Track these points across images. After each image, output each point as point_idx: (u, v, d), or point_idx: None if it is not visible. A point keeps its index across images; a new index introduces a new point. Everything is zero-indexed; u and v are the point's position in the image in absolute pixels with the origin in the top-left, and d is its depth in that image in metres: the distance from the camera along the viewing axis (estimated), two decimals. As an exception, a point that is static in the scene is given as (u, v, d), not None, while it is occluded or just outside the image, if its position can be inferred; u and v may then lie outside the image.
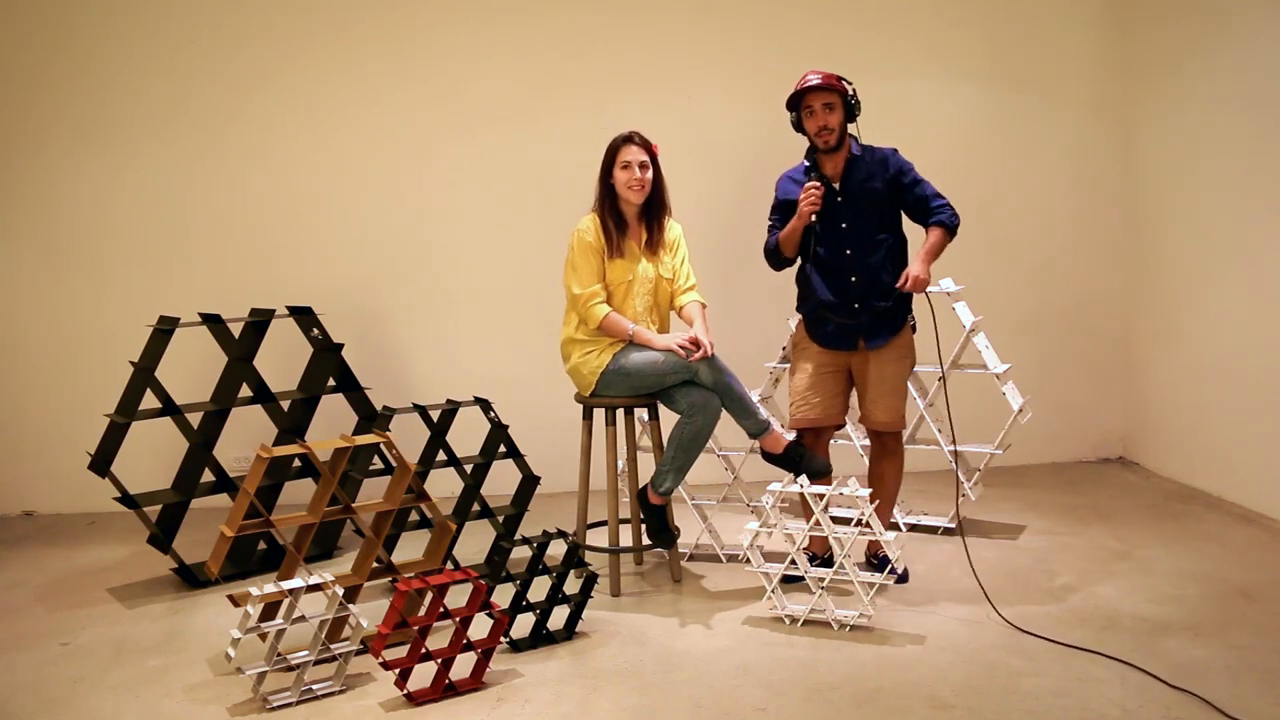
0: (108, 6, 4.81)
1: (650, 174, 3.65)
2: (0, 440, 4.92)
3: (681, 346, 3.52)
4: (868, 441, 3.93)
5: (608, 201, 3.67)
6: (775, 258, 3.75)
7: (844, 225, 3.61)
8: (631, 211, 3.69)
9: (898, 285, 3.59)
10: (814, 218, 3.55)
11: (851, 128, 3.66)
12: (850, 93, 3.58)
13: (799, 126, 3.65)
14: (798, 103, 3.60)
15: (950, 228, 3.66)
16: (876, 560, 3.76)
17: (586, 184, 3.74)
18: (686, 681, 2.97)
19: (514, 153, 4.97)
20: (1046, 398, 5.01)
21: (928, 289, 3.61)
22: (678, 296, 3.77)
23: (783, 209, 3.71)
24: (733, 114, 4.97)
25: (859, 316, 3.62)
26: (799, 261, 3.74)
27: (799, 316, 3.81)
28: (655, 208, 3.71)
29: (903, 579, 3.64)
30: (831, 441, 4.27)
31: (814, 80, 3.54)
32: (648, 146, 3.65)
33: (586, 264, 3.62)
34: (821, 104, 3.55)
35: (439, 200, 5.00)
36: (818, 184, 3.54)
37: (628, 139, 3.65)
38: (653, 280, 3.70)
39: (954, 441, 4.08)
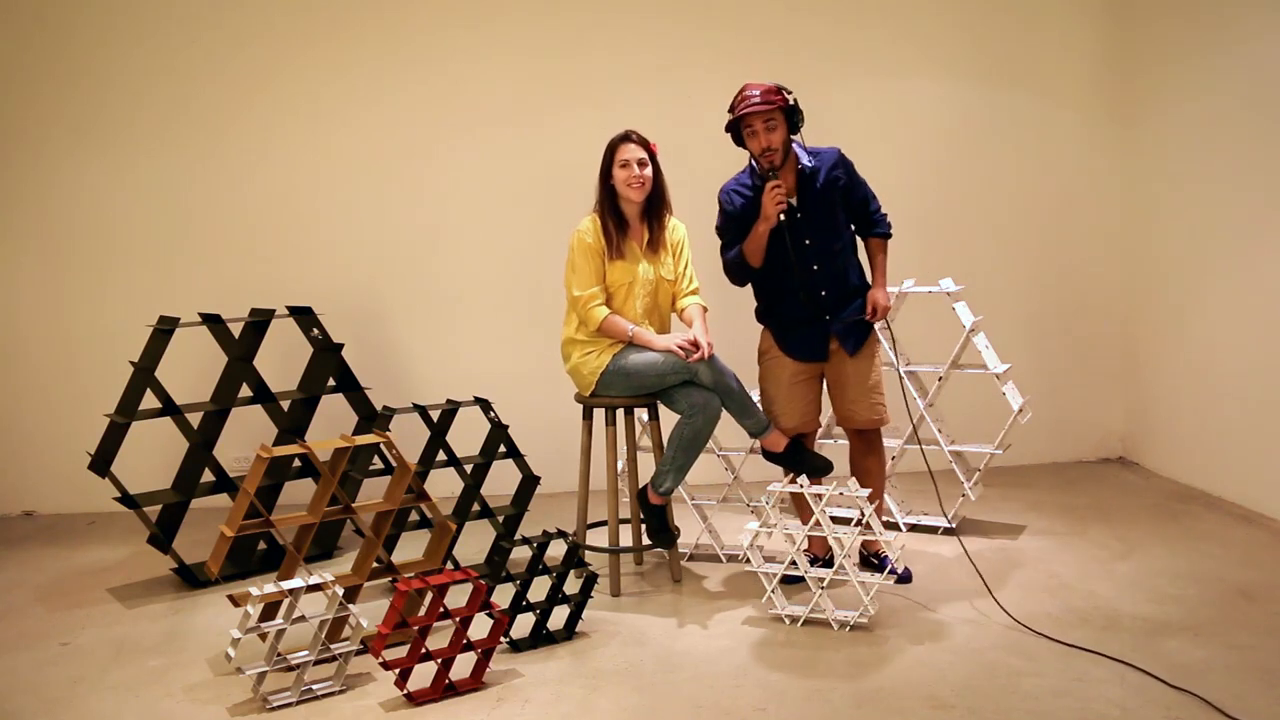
0: (108, 6, 4.81)
1: (650, 171, 3.63)
2: (0, 440, 4.93)
3: (681, 347, 3.52)
4: None
5: (608, 202, 3.66)
6: (739, 270, 3.58)
7: (808, 241, 3.51)
8: (633, 211, 3.68)
9: (867, 317, 3.57)
10: (782, 217, 3.41)
11: (795, 138, 3.51)
12: (791, 104, 3.42)
13: (740, 144, 3.52)
14: (737, 125, 3.46)
15: (888, 237, 3.66)
16: (877, 560, 3.74)
17: (587, 184, 3.73)
18: (686, 681, 2.97)
19: (514, 153, 4.97)
20: (1046, 398, 5.01)
21: (886, 315, 3.62)
22: (680, 299, 3.76)
23: (736, 223, 3.56)
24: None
25: (832, 326, 3.58)
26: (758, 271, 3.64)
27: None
28: (656, 206, 3.70)
29: (904, 579, 3.62)
30: (831, 441, 4.28)
31: (753, 98, 3.37)
32: (646, 144, 3.65)
33: (586, 265, 3.61)
34: (763, 124, 3.39)
35: (439, 200, 5.00)
36: (778, 183, 3.39)
37: (625, 137, 3.63)
38: (653, 281, 3.69)
39: (917, 437, 4.09)
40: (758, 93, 3.39)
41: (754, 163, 3.54)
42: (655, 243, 3.71)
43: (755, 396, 3.77)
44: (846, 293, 3.59)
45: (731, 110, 3.46)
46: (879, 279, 3.62)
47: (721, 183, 3.65)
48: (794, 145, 3.53)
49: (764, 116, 3.39)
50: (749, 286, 3.72)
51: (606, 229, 3.63)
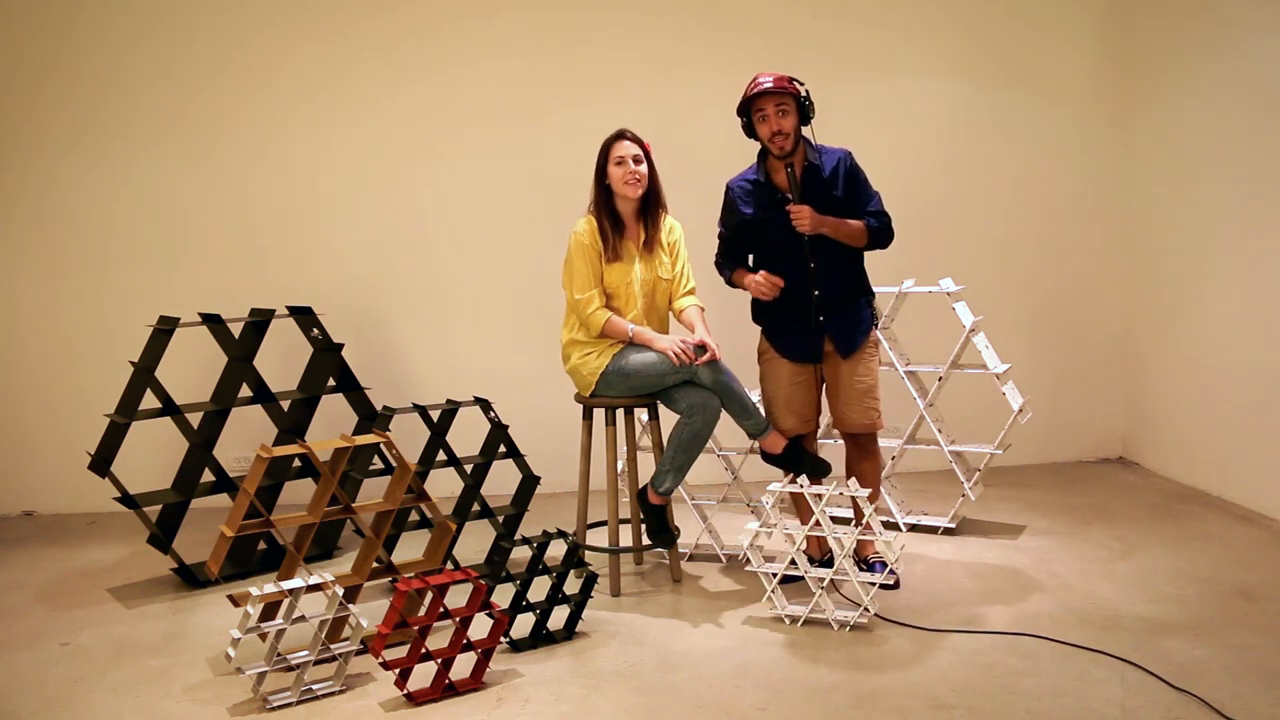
0: (108, 6, 4.81)
1: (645, 167, 3.63)
2: (0, 440, 4.93)
3: (680, 352, 3.49)
4: None
5: (603, 201, 3.66)
6: (727, 279, 3.72)
7: (807, 238, 3.50)
8: (629, 209, 3.68)
9: (788, 209, 3.45)
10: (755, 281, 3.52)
11: (805, 130, 3.53)
12: (804, 95, 3.46)
13: (750, 132, 3.54)
14: (748, 107, 3.49)
15: (873, 231, 3.53)
16: (865, 566, 3.68)
17: (588, 183, 3.73)
18: (686, 681, 2.97)
19: (514, 152, 4.97)
20: (1046, 398, 5.01)
21: (808, 229, 3.43)
22: (676, 299, 3.76)
23: (733, 220, 3.60)
24: (733, 113, 4.96)
25: (826, 329, 3.57)
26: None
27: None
28: (651, 205, 3.69)
29: (888, 585, 3.59)
30: (832, 441, 4.28)
31: (766, 83, 3.42)
32: (640, 142, 3.65)
33: (584, 267, 3.61)
34: (775, 108, 3.43)
35: (439, 200, 5.00)
36: (764, 279, 3.48)
37: (619, 135, 3.64)
38: (651, 282, 3.69)
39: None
40: (770, 78, 3.44)
41: (761, 155, 3.54)
42: (651, 242, 3.70)
43: (755, 397, 3.77)
44: (843, 295, 3.58)
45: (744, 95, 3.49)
46: (832, 220, 3.47)
47: (716, 185, 3.65)
48: (804, 138, 3.54)
49: (776, 100, 3.44)
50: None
51: (603, 229, 3.63)
